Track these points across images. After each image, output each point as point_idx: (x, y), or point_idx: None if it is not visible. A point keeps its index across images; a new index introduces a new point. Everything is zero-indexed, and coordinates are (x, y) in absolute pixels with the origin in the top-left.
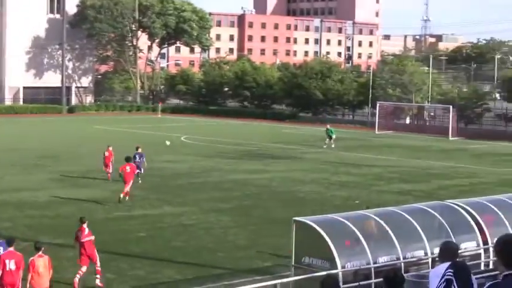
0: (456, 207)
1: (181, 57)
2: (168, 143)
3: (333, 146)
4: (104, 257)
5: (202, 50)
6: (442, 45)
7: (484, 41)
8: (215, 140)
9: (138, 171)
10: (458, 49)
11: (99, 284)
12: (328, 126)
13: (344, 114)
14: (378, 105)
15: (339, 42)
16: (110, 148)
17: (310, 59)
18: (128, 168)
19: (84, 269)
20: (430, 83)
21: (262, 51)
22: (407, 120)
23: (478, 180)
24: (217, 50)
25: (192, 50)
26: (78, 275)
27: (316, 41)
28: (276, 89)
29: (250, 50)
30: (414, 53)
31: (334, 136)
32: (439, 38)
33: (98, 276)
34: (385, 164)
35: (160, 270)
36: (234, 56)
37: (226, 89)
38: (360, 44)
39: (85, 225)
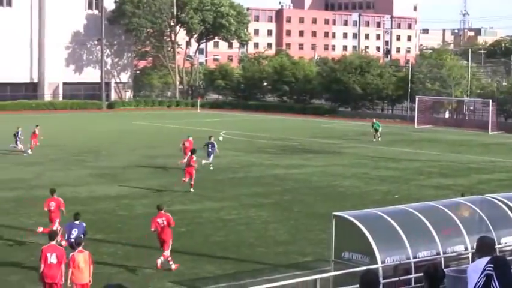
0: (496, 201)
1: (220, 52)
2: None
3: (374, 140)
4: (144, 251)
5: (240, 45)
6: (480, 39)
7: None
8: (254, 135)
9: (207, 160)
10: (497, 43)
11: (173, 267)
12: (374, 120)
13: (383, 109)
14: (417, 99)
15: (378, 37)
16: (190, 138)
17: (348, 54)
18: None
19: (167, 253)
20: (470, 77)
21: (301, 46)
22: (447, 115)
23: None
24: (256, 45)
25: (230, 45)
26: (161, 258)
27: (355, 36)
28: (315, 83)
29: (288, 45)
30: (453, 47)
31: (380, 129)
32: (477, 31)
33: (171, 262)
34: (424, 159)
35: (200, 266)
36: (273, 51)
37: (265, 83)
38: (398, 38)
39: (163, 211)
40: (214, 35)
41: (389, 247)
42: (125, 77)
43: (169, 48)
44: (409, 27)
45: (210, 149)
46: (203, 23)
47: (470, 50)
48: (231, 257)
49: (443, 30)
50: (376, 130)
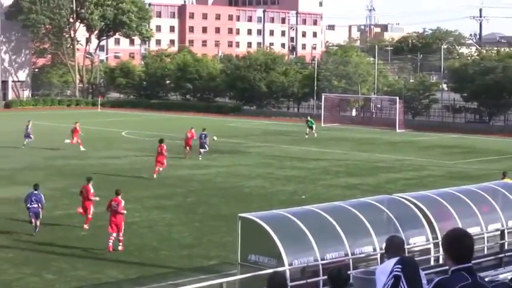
0: (404, 201)
1: (121, 49)
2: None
3: (315, 135)
4: (44, 256)
5: (142, 41)
6: (387, 35)
7: (430, 31)
8: (157, 135)
9: (202, 149)
10: (404, 39)
11: (120, 248)
12: (309, 118)
13: (289, 107)
14: (323, 97)
15: (283, 33)
16: (192, 130)
17: (253, 51)
18: (159, 149)
19: (114, 235)
20: (376, 74)
21: (204, 43)
22: (354, 113)
23: (427, 173)
24: (158, 42)
25: (131, 42)
26: (110, 241)
27: (259, 32)
28: (219, 81)
29: (191, 42)
30: (359, 44)
31: (314, 126)
32: (384, 28)
33: (120, 244)
34: (331, 158)
35: (102, 270)
36: (175, 48)
37: (168, 81)
38: (304, 34)
39: (120, 197)
40: (114, 31)
41: (297, 249)
42: (22, 75)
43: (68, 45)
44: (315, 23)
45: (203, 140)
46: (103, 19)
47: (376, 46)
48: (134, 261)
49: (350, 27)
50: (311, 127)
